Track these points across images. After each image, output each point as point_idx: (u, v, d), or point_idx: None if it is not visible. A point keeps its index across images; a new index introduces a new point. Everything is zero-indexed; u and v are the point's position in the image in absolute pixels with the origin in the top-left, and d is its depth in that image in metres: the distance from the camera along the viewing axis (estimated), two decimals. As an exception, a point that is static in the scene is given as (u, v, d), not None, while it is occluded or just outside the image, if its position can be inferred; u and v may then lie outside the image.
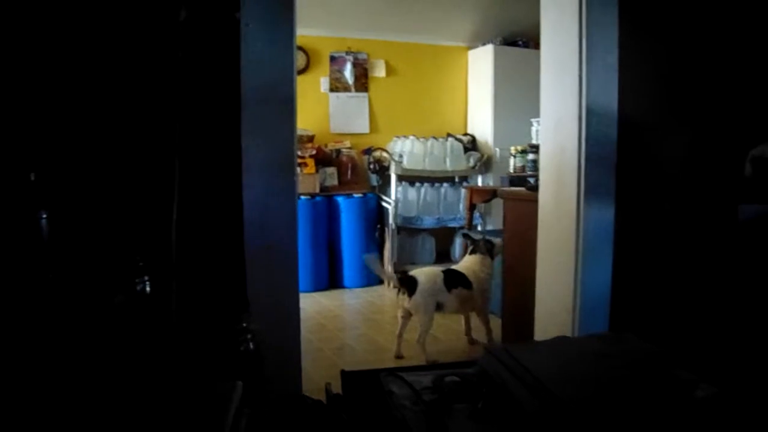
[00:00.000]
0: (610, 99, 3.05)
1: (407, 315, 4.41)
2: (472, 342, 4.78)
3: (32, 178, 1.98)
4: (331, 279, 6.70)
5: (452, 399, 1.33)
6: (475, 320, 4.73)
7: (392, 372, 1.49)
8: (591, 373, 1.35)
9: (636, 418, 1.18)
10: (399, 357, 4.39)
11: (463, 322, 4.82)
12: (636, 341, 1.54)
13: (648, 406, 1.22)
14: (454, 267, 4.67)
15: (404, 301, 4.35)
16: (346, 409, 1.40)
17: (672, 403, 1.25)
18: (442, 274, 4.45)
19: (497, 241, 4.77)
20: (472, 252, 4.75)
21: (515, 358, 1.37)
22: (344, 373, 1.59)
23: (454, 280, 4.47)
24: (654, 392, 1.27)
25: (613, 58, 3.04)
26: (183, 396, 1.39)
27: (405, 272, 4.53)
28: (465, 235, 5.13)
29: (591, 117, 3.04)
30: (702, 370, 1.35)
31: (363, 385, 1.49)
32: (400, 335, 4.43)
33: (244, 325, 2.16)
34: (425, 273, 4.47)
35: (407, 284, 4.33)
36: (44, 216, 1.93)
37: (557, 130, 3.26)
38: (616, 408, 1.20)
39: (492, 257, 4.73)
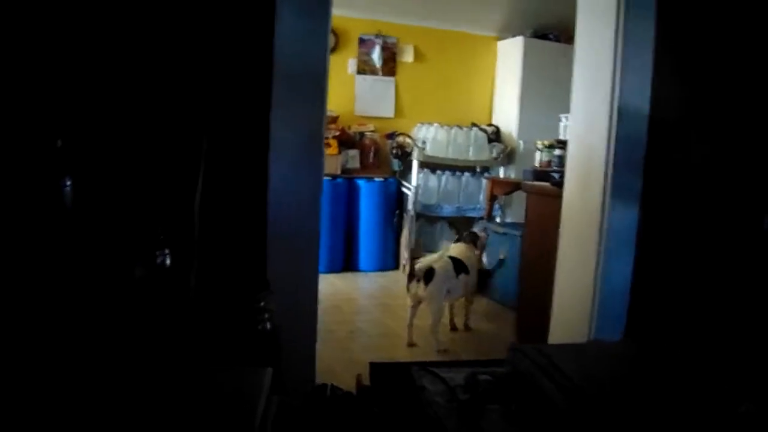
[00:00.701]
0: (642, 100, 3.02)
1: (417, 303, 4.42)
2: (453, 328, 4.84)
3: (59, 144, 1.97)
4: (346, 261, 6.70)
5: (486, 399, 1.32)
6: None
7: (424, 367, 1.48)
8: (630, 383, 1.33)
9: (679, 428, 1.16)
10: (411, 345, 4.39)
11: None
12: (668, 349, 1.52)
13: (691, 418, 1.20)
14: (449, 254, 4.69)
15: (419, 289, 4.35)
16: (376, 402, 1.38)
17: (716, 416, 1.23)
18: (451, 261, 4.53)
19: (482, 234, 5.09)
20: (457, 240, 4.96)
21: (552, 361, 1.35)
22: (373, 365, 1.57)
23: (458, 266, 4.56)
24: (697, 405, 1.25)
25: (648, 58, 3.00)
26: (213, 380, 1.38)
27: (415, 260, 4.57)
28: (451, 224, 5.36)
29: (622, 117, 3.01)
30: (744, 385, 1.33)
31: (393, 378, 1.47)
32: (411, 323, 4.44)
33: (263, 304, 2.15)
34: (439, 261, 4.49)
35: (425, 273, 4.34)
36: (68, 183, 1.92)
37: (587, 129, 3.23)
38: (655, 415, 1.18)
39: (476, 247, 4.92)
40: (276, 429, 1.28)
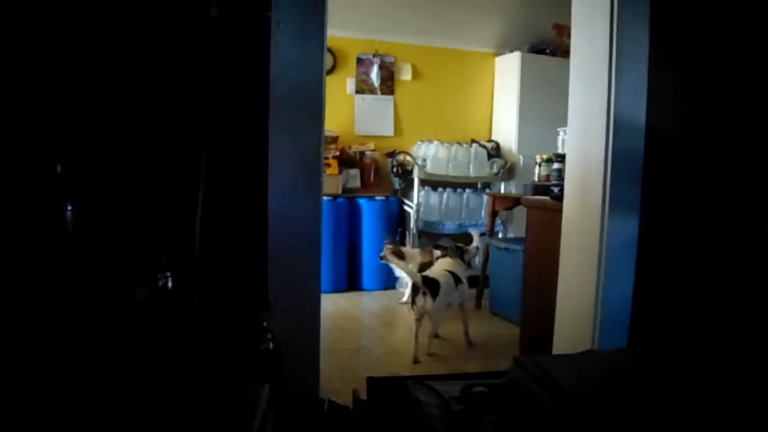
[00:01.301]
0: (638, 111, 3.03)
1: (421, 316, 4.48)
2: (470, 344, 4.91)
3: (59, 169, 1.99)
4: (350, 281, 6.71)
5: (480, 409, 1.33)
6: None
7: (420, 380, 1.49)
8: (623, 390, 1.34)
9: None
10: (416, 362, 4.40)
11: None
12: (667, 358, 1.53)
13: (683, 424, 1.20)
14: (444, 269, 4.81)
15: (427, 303, 4.41)
16: (372, 415, 1.39)
17: (708, 422, 1.23)
18: (450, 274, 4.68)
19: (470, 248, 5.39)
20: (443, 256, 5.06)
21: (545, 371, 1.35)
22: (370, 380, 1.58)
23: (456, 279, 4.70)
24: (690, 412, 1.26)
25: (642, 70, 3.02)
26: (210, 397, 1.39)
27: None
28: (436, 246, 5.38)
29: (619, 129, 3.02)
30: (734, 390, 1.34)
31: (389, 392, 1.48)
32: (417, 338, 4.46)
33: (265, 324, 2.16)
34: (440, 274, 4.62)
35: (430, 286, 4.41)
36: (69, 208, 1.94)
37: (584, 141, 3.24)
38: (652, 427, 1.18)
39: (464, 261, 5.09)
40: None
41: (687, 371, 1.42)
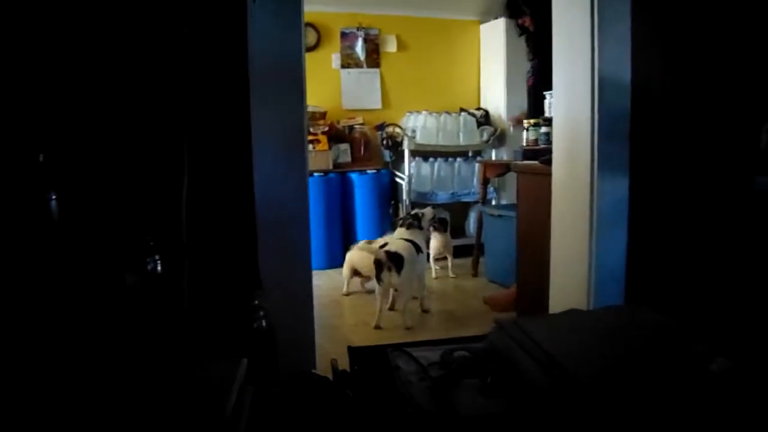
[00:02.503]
0: (622, 70, 3.02)
1: (387, 290, 4.67)
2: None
3: (41, 159, 1.97)
4: (345, 256, 6.69)
5: (461, 374, 1.32)
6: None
7: (399, 347, 1.49)
8: (604, 348, 1.34)
9: (650, 393, 1.17)
10: (378, 328, 4.57)
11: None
12: (650, 314, 1.53)
13: (662, 380, 1.20)
14: (402, 238, 4.87)
15: (393, 277, 4.48)
16: (351, 385, 1.39)
17: (687, 376, 1.23)
18: (412, 245, 4.72)
19: (426, 211, 5.28)
20: (403, 225, 5.07)
21: (526, 332, 1.35)
22: (351, 349, 1.58)
23: (417, 249, 4.76)
24: (669, 366, 1.26)
25: (625, 28, 3.00)
26: (187, 375, 1.39)
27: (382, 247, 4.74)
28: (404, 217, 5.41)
29: (603, 88, 3.01)
30: (717, 343, 1.34)
31: (370, 361, 1.48)
32: (381, 309, 4.65)
33: (257, 302, 2.16)
34: (402, 246, 4.66)
35: (395, 261, 4.49)
36: (53, 197, 1.93)
37: (570, 102, 3.23)
38: (630, 383, 1.19)
39: (421, 228, 5.09)
40: (254, 417, 1.29)
41: (670, 326, 1.42)
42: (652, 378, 1.21)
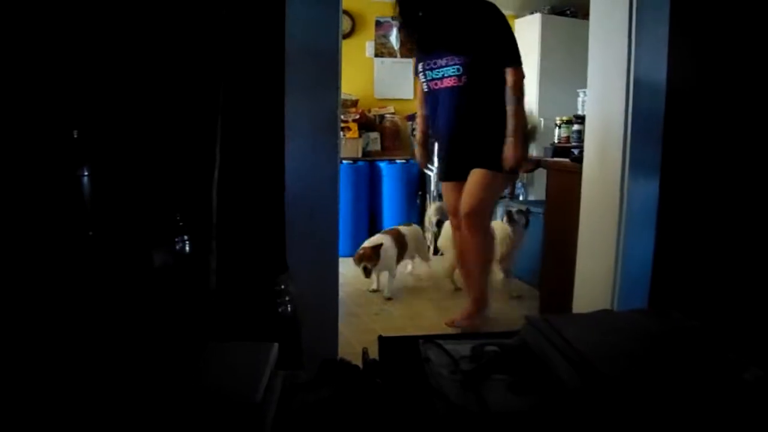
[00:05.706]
0: (659, 72, 2.99)
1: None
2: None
3: (75, 135, 1.99)
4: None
5: (491, 369, 1.32)
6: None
7: (431, 339, 1.49)
8: (636, 351, 1.32)
9: (683, 399, 1.16)
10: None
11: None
12: (683, 319, 1.51)
13: (696, 387, 1.20)
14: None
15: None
16: (381, 374, 1.39)
17: (721, 384, 1.22)
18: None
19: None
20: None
21: (556, 330, 1.35)
22: (381, 339, 1.58)
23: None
24: (702, 373, 1.25)
25: (663, 30, 2.97)
26: (216, 357, 1.40)
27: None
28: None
29: (639, 90, 2.98)
30: (747, 352, 1.32)
31: (400, 352, 1.48)
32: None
33: (283, 287, 2.17)
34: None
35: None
36: (86, 173, 1.94)
37: (604, 102, 3.21)
38: (663, 388, 1.18)
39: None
40: (283, 402, 1.29)
41: (702, 333, 1.41)
42: (686, 384, 1.20)
